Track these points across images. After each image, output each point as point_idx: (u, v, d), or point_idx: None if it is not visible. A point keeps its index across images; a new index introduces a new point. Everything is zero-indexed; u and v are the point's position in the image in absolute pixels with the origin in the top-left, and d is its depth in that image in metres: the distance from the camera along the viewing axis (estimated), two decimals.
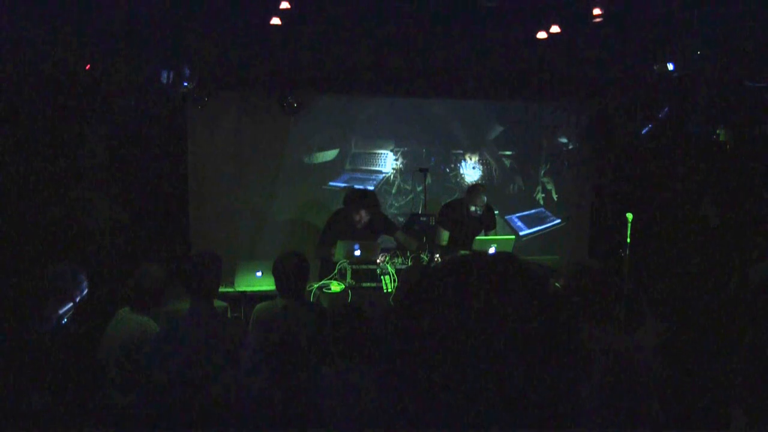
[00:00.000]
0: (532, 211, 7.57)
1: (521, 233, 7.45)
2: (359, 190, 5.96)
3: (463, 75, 6.71)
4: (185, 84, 5.36)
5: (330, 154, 7.08)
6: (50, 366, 3.14)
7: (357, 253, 5.14)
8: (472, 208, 5.76)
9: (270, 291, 4.36)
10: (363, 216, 5.37)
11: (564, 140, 7.53)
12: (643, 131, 6.46)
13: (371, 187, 7.03)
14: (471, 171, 7.42)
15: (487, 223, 6.06)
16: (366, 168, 7.17)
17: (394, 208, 7.19)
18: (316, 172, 7.05)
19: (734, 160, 6.38)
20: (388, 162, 7.20)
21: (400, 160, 7.23)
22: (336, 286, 5.02)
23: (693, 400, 2.89)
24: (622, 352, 3.03)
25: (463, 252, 5.52)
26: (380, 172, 7.19)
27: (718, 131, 6.25)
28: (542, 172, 7.57)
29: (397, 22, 5.07)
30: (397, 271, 5.07)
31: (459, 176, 7.39)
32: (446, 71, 6.65)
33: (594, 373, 2.93)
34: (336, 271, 5.10)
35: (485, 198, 5.80)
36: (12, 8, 4.49)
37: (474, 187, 6.02)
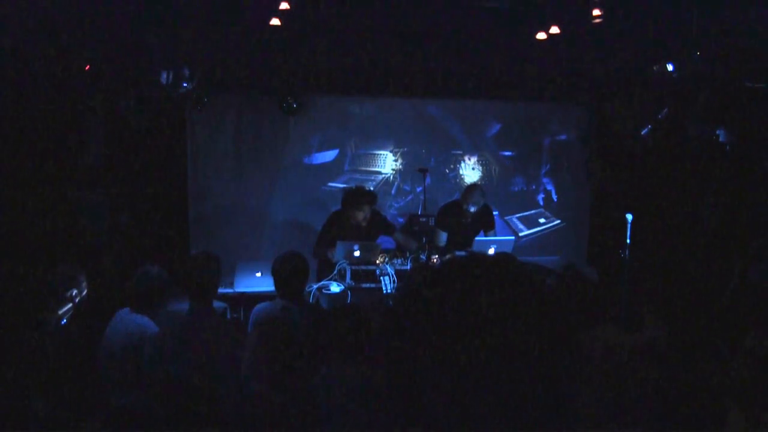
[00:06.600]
0: (532, 211, 7.56)
1: (521, 234, 7.45)
2: (358, 187, 5.93)
3: (463, 75, 6.70)
4: (185, 84, 5.36)
5: (330, 155, 7.08)
6: (50, 366, 3.14)
7: (357, 253, 5.14)
8: (465, 206, 5.78)
9: (269, 291, 4.36)
10: (366, 212, 5.39)
11: (564, 140, 7.53)
12: (643, 131, 6.46)
13: (371, 188, 7.04)
14: (471, 171, 7.41)
15: (486, 224, 6.06)
16: (365, 169, 7.17)
17: (393, 208, 7.19)
18: (316, 172, 7.05)
19: (734, 160, 6.37)
20: (387, 163, 7.20)
21: (400, 160, 7.22)
22: (335, 287, 5.01)
23: (691, 400, 2.89)
24: (621, 352, 3.03)
25: (458, 252, 5.54)
26: (380, 172, 7.18)
27: (718, 131, 6.24)
28: (542, 172, 7.56)
29: (397, 23, 5.07)
30: (397, 272, 5.06)
31: (459, 177, 7.38)
32: (446, 71, 6.64)
33: (594, 373, 2.93)
34: (335, 271, 5.10)
35: (480, 195, 5.81)
36: (12, 8, 4.50)
37: (469, 186, 6.07)
